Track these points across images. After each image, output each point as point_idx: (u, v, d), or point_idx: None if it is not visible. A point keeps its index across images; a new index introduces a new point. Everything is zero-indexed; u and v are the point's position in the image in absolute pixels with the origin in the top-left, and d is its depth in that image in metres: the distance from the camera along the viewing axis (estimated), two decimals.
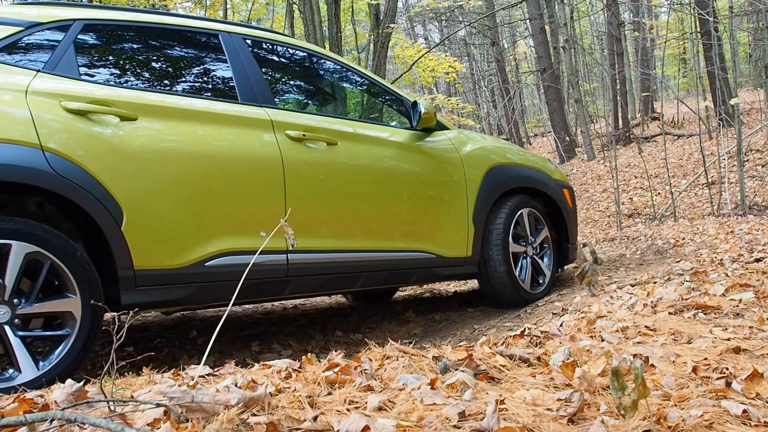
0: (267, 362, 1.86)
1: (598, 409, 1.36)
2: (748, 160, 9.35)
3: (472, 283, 5.32)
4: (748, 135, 10.25)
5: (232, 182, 2.63)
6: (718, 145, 9.02)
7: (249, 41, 3.04)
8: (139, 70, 2.80)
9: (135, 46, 2.83)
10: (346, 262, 2.98)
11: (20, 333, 2.12)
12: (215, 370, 1.86)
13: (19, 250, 2.14)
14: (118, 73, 2.71)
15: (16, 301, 2.15)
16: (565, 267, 4.29)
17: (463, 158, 3.49)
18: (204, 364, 1.72)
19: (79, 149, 2.28)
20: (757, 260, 3.36)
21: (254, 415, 1.28)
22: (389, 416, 1.30)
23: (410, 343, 3.10)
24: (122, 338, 2.23)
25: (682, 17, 20.50)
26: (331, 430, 1.23)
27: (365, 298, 4.69)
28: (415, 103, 3.36)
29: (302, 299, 4.91)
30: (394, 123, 3.61)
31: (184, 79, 2.94)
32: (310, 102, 3.76)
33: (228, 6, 9.38)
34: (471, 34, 20.53)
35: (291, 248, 2.69)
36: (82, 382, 1.52)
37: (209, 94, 2.89)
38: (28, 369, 2.09)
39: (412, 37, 22.00)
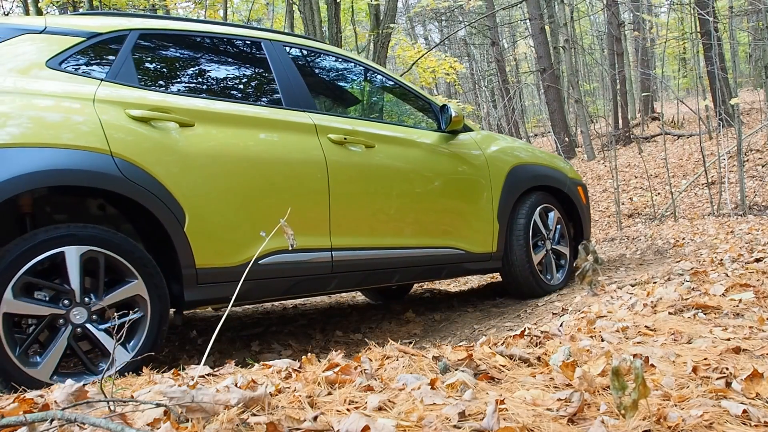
0: (267, 362, 1.86)
1: (598, 409, 1.36)
2: (748, 160, 9.35)
3: (473, 283, 5.31)
4: (748, 135, 10.25)
5: (281, 184, 2.76)
6: (718, 145, 9.02)
7: (288, 48, 3.16)
8: (191, 77, 2.94)
9: (186, 54, 2.96)
10: (384, 259, 3.12)
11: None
12: (215, 370, 1.86)
13: (135, 288, 2.32)
14: (173, 80, 2.86)
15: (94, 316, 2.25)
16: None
17: (488, 158, 3.66)
18: (204, 364, 1.72)
19: (144, 154, 2.39)
20: (757, 260, 3.36)
21: (254, 415, 1.28)
22: (389, 416, 1.30)
23: (410, 343, 3.10)
24: (122, 338, 2.24)
25: (682, 17, 20.50)
26: (331, 430, 1.23)
27: (384, 295, 4.79)
28: (445, 107, 3.53)
29: (302, 299, 4.91)
30: (423, 125, 3.74)
31: (232, 85, 3.06)
32: (345, 105, 3.85)
33: (228, 6, 9.37)
34: (471, 34, 20.52)
35: (291, 248, 2.72)
36: (82, 382, 1.52)
37: (256, 99, 3.04)
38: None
39: (412, 37, 21.99)
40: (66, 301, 2.19)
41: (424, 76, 11.85)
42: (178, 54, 2.92)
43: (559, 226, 3.99)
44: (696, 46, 16.50)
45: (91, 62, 2.54)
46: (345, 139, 3.00)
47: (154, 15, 3.06)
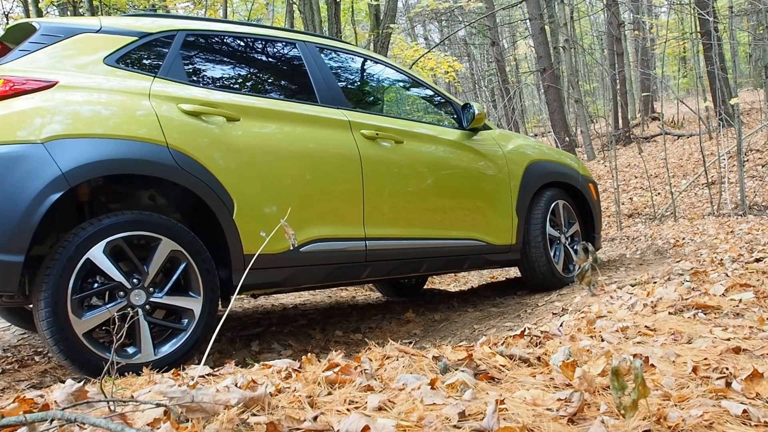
0: (267, 362, 1.85)
1: (598, 409, 1.36)
2: (748, 160, 9.36)
3: (473, 283, 5.32)
4: (748, 135, 10.25)
5: (319, 176, 2.92)
6: (718, 145, 9.02)
7: (320, 48, 3.33)
8: (233, 75, 3.13)
9: (227, 53, 3.13)
10: (413, 249, 3.30)
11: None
12: (215, 370, 1.86)
13: (194, 303, 2.46)
14: (217, 77, 3.02)
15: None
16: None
17: (506, 155, 3.84)
18: (204, 364, 1.72)
19: (196, 146, 2.55)
20: (757, 260, 3.36)
21: (254, 415, 1.28)
22: (389, 416, 1.30)
23: (410, 343, 3.10)
24: (122, 338, 2.24)
25: (682, 17, 20.49)
26: (331, 430, 1.23)
27: (397, 291, 4.91)
28: (468, 105, 3.72)
29: (302, 299, 4.91)
30: (444, 123, 3.88)
31: (270, 82, 3.25)
32: (372, 103, 3.97)
33: (228, 5, 9.37)
34: (471, 34, 20.51)
35: (292, 248, 2.75)
36: (82, 382, 1.52)
37: (293, 96, 3.18)
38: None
39: (412, 37, 22.00)
40: (135, 280, 2.34)
41: (423, 75, 11.86)
42: (220, 53, 3.09)
43: (572, 221, 4.16)
44: (696, 46, 16.50)
45: (144, 60, 2.70)
46: (377, 134, 3.16)
47: (197, 17, 3.36)
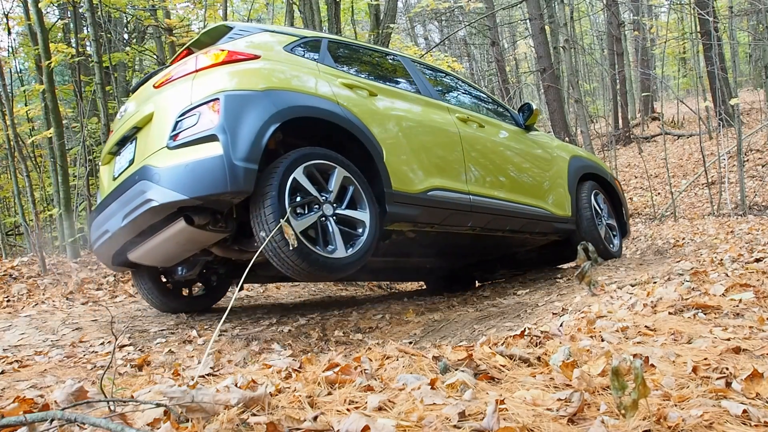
0: (267, 362, 1.86)
1: (598, 409, 1.36)
2: (748, 160, 9.36)
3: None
4: (748, 135, 10.26)
5: (434, 140, 3.82)
6: (718, 145, 9.03)
7: (412, 61, 4.44)
8: (362, 69, 4.07)
9: (355, 56, 4.14)
10: (501, 208, 4.13)
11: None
12: (215, 370, 1.86)
13: (363, 216, 3.19)
14: (353, 69, 3.94)
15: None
16: (568, 264, 5.22)
17: (556, 147, 4.92)
18: (204, 364, 1.72)
19: (354, 106, 3.42)
20: (757, 260, 3.36)
21: (254, 415, 1.28)
22: (389, 416, 1.30)
23: (410, 343, 3.10)
24: (122, 336, 2.25)
25: (681, 17, 20.50)
26: (331, 430, 1.23)
27: (450, 285, 5.45)
28: (526, 105, 4.78)
29: (302, 299, 4.91)
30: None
31: (388, 77, 4.18)
32: (453, 100, 4.82)
33: (228, 5, 9.34)
34: (471, 34, 20.51)
35: (292, 247, 2.80)
36: (81, 382, 1.52)
37: (406, 87, 4.09)
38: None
39: (412, 37, 22.00)
40: (324, 197, 3.09)
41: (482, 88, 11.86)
42: (351, 55, 4.09)
43: (607, 207, 5.06)
44: (696, 46, 16.50)
45: (305, 52, 3.67)
46: (467, 117, 4.16)
47: (332, 34, 4.76)
